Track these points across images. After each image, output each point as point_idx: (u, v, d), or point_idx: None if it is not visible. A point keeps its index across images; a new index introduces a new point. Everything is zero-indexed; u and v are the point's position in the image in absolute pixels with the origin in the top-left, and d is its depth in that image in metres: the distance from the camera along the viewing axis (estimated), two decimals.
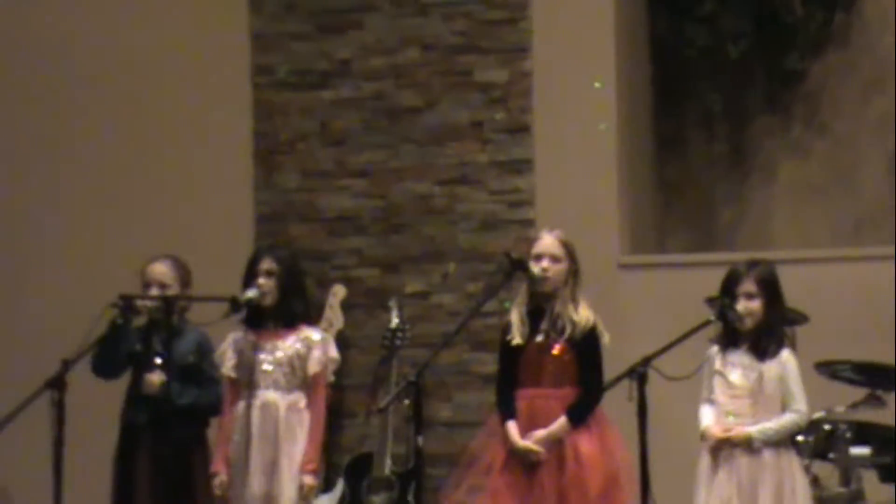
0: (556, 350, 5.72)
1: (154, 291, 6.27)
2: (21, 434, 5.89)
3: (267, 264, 6.14)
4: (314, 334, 6.15)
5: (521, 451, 5.66)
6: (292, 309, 6.13)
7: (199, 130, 8.04)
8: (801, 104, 8.04)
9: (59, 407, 5.66)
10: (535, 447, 5.65)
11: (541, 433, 5.67)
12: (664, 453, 5.61)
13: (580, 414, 5.68)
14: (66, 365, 5.75)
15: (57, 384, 5.68)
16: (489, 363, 7.13)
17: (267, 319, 6.13)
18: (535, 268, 5.76)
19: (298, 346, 6.10)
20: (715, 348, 5.70)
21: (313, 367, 6.10)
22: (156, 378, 6.16)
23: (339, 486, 7.24)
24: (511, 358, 5.80)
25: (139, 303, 6.21)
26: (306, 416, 6.11)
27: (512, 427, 5.70)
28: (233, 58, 8.06)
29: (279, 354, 6.09)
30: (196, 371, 6.27)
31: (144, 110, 8.09)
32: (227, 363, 6.14)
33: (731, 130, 8.12)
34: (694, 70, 8.14)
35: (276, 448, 6.05)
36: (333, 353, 6.18)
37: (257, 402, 6.08)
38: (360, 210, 7.92)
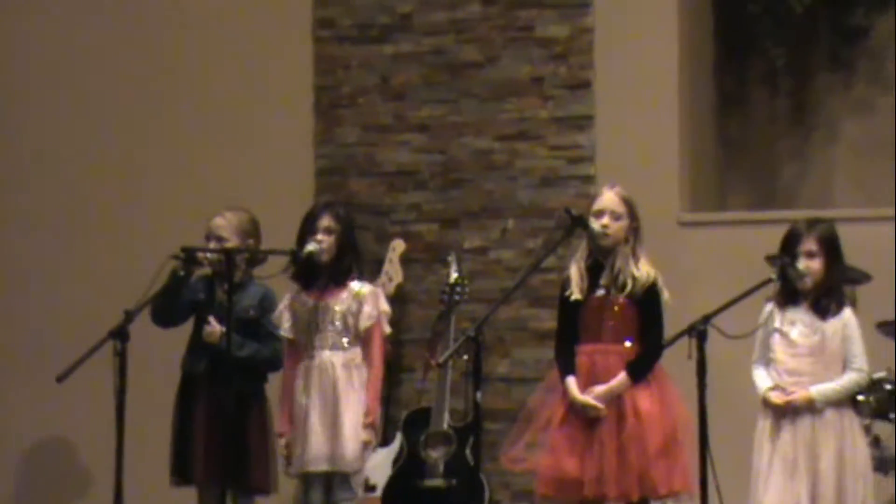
0: (616, 305, 5.71)
1: (212, 244, 6.32)
2: (84, 384, 5.95)
3: (326, 221, 6.17)
4: (364, 288, 6.19)
5: (580, 406, 5.67)
6: (346, 266, 6.17)
7: (261, 84, 8.05)
8: (865, 61, 7.96)
9: (122, 357, 5.72)
10: (594, 402, 5.65)
11: (600, 388, 5.67)
12: (723, 411, 5.60)
13: (640, 370, 5.68)
14: (129, 315, 5.81)
15: (120, 334, 5.74)
16: (547, 319, 7.13)
17: (320, 277, 6.16)
18: (596, 224, 5.74)
19: (350, 301, 6.14)
20: (771, 307, 5.68)
21: (365, 322, 6.14)
22: (216, 328, 6.21)
23: (398, 441, 7.27)
24: (570, 313, 5.80)
25: (200, 255, 6.26)
26: (364, 372, 6.15)
27: (571, 382, 5.71)
28: (294, 11, 8.06)
29: (332, 312, 6.13)
30: (256, 325, 6.32)
31: (206, 66, 8.11)
32: (285, 324, 6.19)
33: (793, 87, 8.04)
34: (757, 26, 8.06)
35: (336, 406, 6.09)
36: (384, 305, 6.21)
37: (315, 363, 6.13)
38: (420, 165, 7.91)
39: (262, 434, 6.29)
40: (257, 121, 8.07)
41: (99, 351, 5.75)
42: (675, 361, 5.56)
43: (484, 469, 6.95)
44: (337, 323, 6.14)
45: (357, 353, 6.16)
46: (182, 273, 6.21)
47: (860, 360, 5.62)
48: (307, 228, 6.19)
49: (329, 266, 6.17)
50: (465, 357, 5.82)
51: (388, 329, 6.26)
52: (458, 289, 7.33)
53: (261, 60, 8.06)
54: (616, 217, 5.75)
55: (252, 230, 6.44)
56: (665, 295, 5.73)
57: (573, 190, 7.64)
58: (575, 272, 5.81)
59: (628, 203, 5.79)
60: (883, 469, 6.26)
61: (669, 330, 5.63)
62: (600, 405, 5.65)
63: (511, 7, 7.82)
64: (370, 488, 7.12)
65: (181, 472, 6.34)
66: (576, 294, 5.77)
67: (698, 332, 5.34)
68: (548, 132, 7.74)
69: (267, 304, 6.33)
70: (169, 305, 6.29)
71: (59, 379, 5.78)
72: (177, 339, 6.46)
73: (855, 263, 6.02)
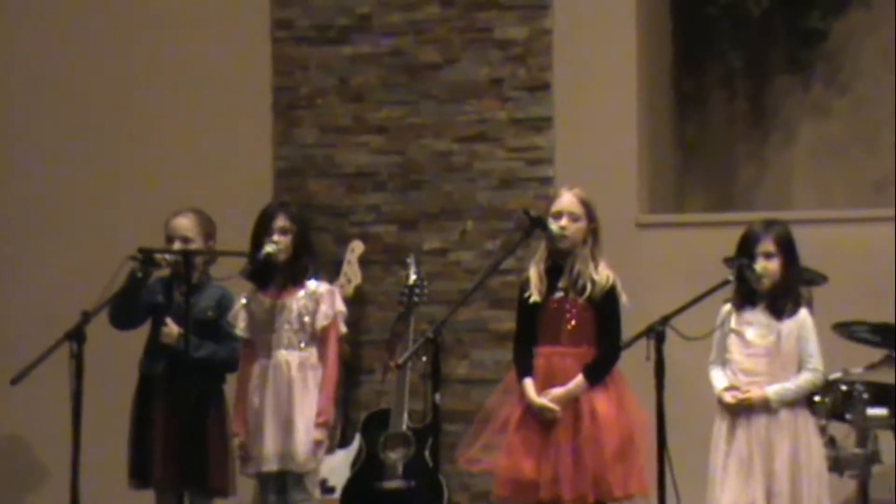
0: (574, 308, 5.72)
1: (176, 245, 6.30)
2: (40, 385, 5.92)
3: (281, 221, 6.17)
4: (320, 287, 6.18)
5: (537, 409, 5.67)
6: (302, 266, 6.16)
7: (219, 85, 8.03)
8: (822, 63, 8.00)
9: (79, 358, 5.70)
10: (551, 405, 5.66)
11: (558, 391, 5.69)
12: (681, 412, 5.62)
13: (597, 373, 5.69)
14: (86, 317, 5.79)
15: (76, 336, 5.71)
16: (506, 321, 7.14)
17: (276, 278, 6.16)
18: (554, 225, 5.75)
19: (306, 301, 6.13)
20: (728, 308, 5.70)
21: (321, 322, 6.13)
22: (173, 330, 6.19)
23: (356, 442, 7.26)
24: (529, 315, 5.81)
25: (158, 256, 6.24)
26: (319, 372, 6.14)
27: (529, 384, 5.72)
28: (252, 12, 8.04)
29: (288, 312, 6.12)
30: (214, 326, 6.30)
31: (164, 66, 8.08)
32: (241, 324, 6.18)
33: (751, 89, 8.08)
34: (715, 28, 8.09)
35: (291, 406, 6.08)
36: (340, 305, 6.20)
37: (270, 363, 6.11)
38: (379, 166, 7.91)
39: (220, 435, 6.27)
40: (215, 122, 8.04)
41: (56, 352, 5.72)
42: (634, 363, 5.58)
43: (443, 470, 6.96)
44: (293, 323, 6.13)
45: (313, 353, 6.16)
46: (140, 274, 6.19)
47: (816, 360, 5.65)
48: (262, 229, 6.18)
49: (285, 266, 6.16)
50: (424, 358, 5.84)
51: (343, 329, 6.26)
52: (417, 290, 7.33)
53: (219, 61, 8.03)
54: (575, 219, 5.77)
55: (212, 231, 6.43)
56: (623, 299, 5.75)
57: (532, 192, 7.65)
58: (534, 274, 5.82)
59: (587, 205, 5.80)
60: (838, 469, 6.30)
61: (627, 331, 5.65)
62: (556, 407, 5.66)
63: (470, 9, 7.82)
64: (329, 490, 7.12)
65: (139, 475, 6.32)
66: (534, 296, 5.78)
67: (656, 333, 5.36)
68: (507, 134, 7.75)
69: (225, 305, 6.31)
70: (127, 307, 6.27)
71: (14, 381, 5.75)
72: (134, 340, 6.43)
73: (811, 265, 6.06)
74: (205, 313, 6.28)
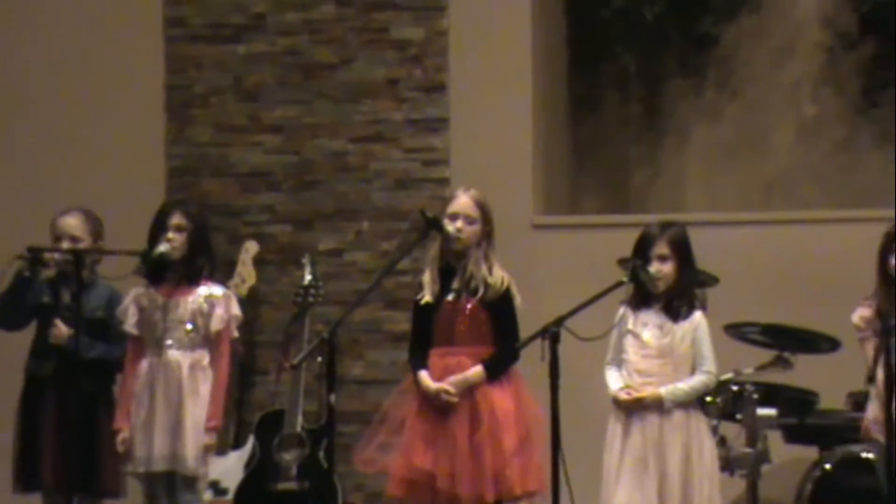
0: (468, 310, 5.73)
1: (65, 244, 6.21)
2: None
3: (177, 219, 6.11)
4: (216, 290, 6.14)
5: (433, 395, 5.66)
6: (198, 266, 6.11)
7: (111, 83, 7.94)
8: (714, 68, 8.10)
9: None
10: (448, 387, 5.64)
11: (456, 377, 5.68)
12: (576, 412, 5.65)
13: (496, 368, 5.71)
14: None
15: None
16: (402, 321, 7.14)
17: (171, 275, 6.09)
18: (450, 227, 5.76)
19: (201, 302, 6.07)
20: (624, 309, 5.75)
21: (216, 325, 6.09)
22: (63, 330, 6.10)
23: (250, 443, 7.21)
24: (423, 316, 5.81)
25: (47, 255, 6.15)
26: (210, 374, 6.09)
27: (424, 374, 5.72)
28: (144, 9, 7.95)
29: (182, 312, 6.06)
30: (104, 326, 6.23)
31: (55, 63, 7.97)
32: (129, 320, 6.11)
33: (645, 92, 8.15)
34: (609, 31, 8.16)
35: (181, 407, 6.03)
36: (236, 309, 6.16)
37: (161, 361, 6.06)
38: (274, 166, 7.87)
39: (110, 436, 6.20)
40: (107, 120, 7.95)
41: None
42: (529, 363, 5.60)
43: (337, 471, 6.93)
44: (186, 323, 6.07)
45: (205, 354, 6.11)
46: (27, 274, 6.10)
47: (709, 363, 5.71)
48: (158, 226, 6.12)
49: (180, 265, 6.10)
50: (319, 359, 5.80)
51: (236, 333, 6.22)
52: (312, 291, 7.30)
53: (110, 59, 7.94)
54: (470, 221, 5.78)
55: (100, 230, 6.35)
56: (518, 300, 5.77)
57: (428, 192, 7.66)
58: (428, 275, 5.82)
59: (483, 207, 5.82)
60: (729, 469, 6.37)
61: (523, 332, 5.67)
62: (453, 390, 5.64)
63: (366, 9, 7.81)
64: (222, 492, 7.06)
65: (25, 479, 6.22)
66: (427, 297, 5.78)
67: (551, 333, 5.38)
68: (402, 134, 7.75)
69: (115, 304, 6.24)
70: (13, 307, 6.18)
71: None
72: (18, 341, 6.32)
73: (704, 267, 6.13)
74: (95, 313, 6.21)
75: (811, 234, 7.39)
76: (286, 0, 7.88)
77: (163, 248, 6.06)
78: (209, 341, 6.10)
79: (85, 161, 7.90)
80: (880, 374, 5.29)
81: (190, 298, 6.09)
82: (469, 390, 5.67)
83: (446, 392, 5.64)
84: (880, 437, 5.43)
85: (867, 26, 7.92)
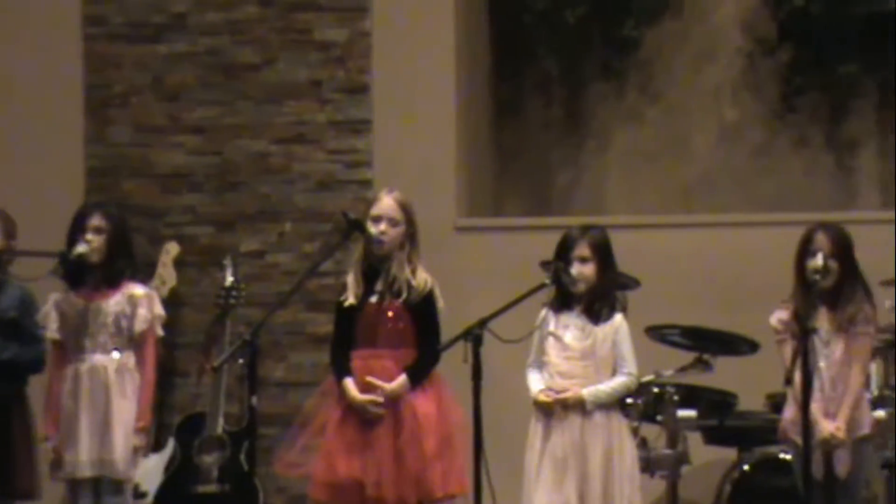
0: (391, 312, 5.73)
1: None
2: None
3: (97, 220, 6.06)
4: (138, 290, 6.09)
5: (359, 407, 5.66)
6: (118, 267, 6.06)
7: (28, 81, 7.85)
8: (636, 71, 8.16)
9: None
10: (374, 398, 5.63)
11: (380, 391, 5.66)
12: (498, 414, 5.67)
13: (419, 374, 5.70)
14: None
15: None
16: (324, 323, 7.12)
17: (90, 278, 6.04)
18: (373, 229, 5.75)
19: (123, 304, 6.03)
20: (546, 311, 5.77)
21: (140, 325, 6.04)
22: None
23: (170, 446, 7.17)
24: (346, 318, 5.80)
25: None
26: (137, 376, 6.04)
27: (349, 384, 5.70)
28: (63, 8, 7.87)
29: (104, 315, 6.01)
30: (17, 327, 6.15)
31: None
32: (51, 325, 6.04)
33: (567, 96, 8.20)
34: (532, 35, 8.19)
35: (107, 411, 5.98)
36: (159, 309, 6.12)
37: (85, 366, 6.00)
38: (195, 167, 7.82)
39: (25, 438, 6.14)
40: (25, 119, 7.86)
41: None
42: (451, 365, 5.61)
43: (259, 474, 6.90)
44: (109, 326, 6.02)
45: (130, 356, 6.06)
46: None
47: (630, 365, 5.74)
48: (76, 228, 6.06)
49: (100, 267, 6.04)
50: (241, 361, 5.77)
51: (161, 332, 6.17)
52: (234, 292, 7.27)
53: (28, 57, 7.86)
54: (394, 223, 5.77)
55: (13, 230, 6.28)
56: (441, 303, 5.77)
57: (351, 194, 7.65)
58: (351, 277, 5.81)
59: (406, 209, 5.81)
60: (649, 470, 6.42)
61: (446, 334, 5.67)
62: (381, 399, 5.63)
63: (289, 9, 7.79)
64: (141, 495, 7.01)
65: None
66: (350, 299, 5.77)
67: (474, 336, 5.39)
68: (325, 136, 7.74)
69: (27, 305, 6.18)
70: None
71: None
72: None
73: (625, 269, 6.16)
74: (7, 313, 6.14)
75: (731, 236, 7.47)
76: (207, 0, 7.83)
77: (81, 248, 6.00)
78: (134, 342, 6.06)
79: (1, 161, 7.80)
80: (797, 376, 5.35)
81: (111, 301, 6.04)
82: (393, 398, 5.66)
83: (373, 403, 5.62)
84: (797, 438, 5.48)
85: (785, 33, 8.03)
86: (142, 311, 6.05)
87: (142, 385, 6.04)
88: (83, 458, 5.95)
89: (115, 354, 6.02)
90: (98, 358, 6.01)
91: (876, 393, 6.30)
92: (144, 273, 7.10)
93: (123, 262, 6.09)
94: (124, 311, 6.04)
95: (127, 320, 6.04)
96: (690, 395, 6.61)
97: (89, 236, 6.02)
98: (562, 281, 5.69)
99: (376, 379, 5.65)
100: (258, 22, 7.81)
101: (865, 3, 7.85)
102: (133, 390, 6.02)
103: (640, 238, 7.25)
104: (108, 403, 5.98)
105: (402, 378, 5.68)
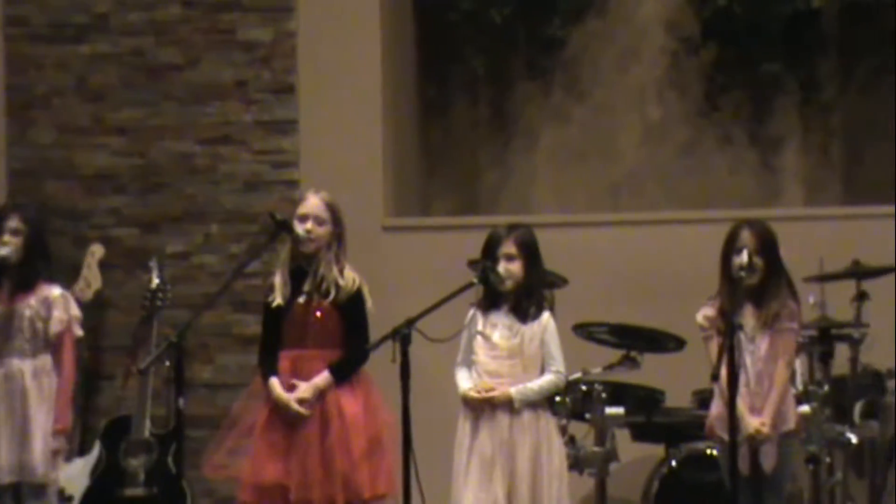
0: (319, 312, 5.71)
1: None
2: None
3: (14, 222, 6.00)
4: (53, 292, 6.04)
5: (284, 405, 5.63)
6: (35, 270, 6.00)
7: None
8: (562, 71, 8.19)
9: None
10: (302, 396, 5.61)
11: (305, 388, 5.64)
12: (426, 413, 5.66)
13: (344, 370, 5.69)
14: None
15: None
16: (252, 324, 7.10)
17: (6, 281, 5.97)
18: (300, 229, 5.73)
19: (38, 307, 5.96)
20: (473, 310, 5.77)
21: (55, 327, 6.00)
22: None
23: (96, 450, 7.11)
24: (274, 319, 5.78)
25: None
26: (55, 379, 5.99)
27: (275, 382, 5.68)
28: None
29: (19, 318, 5.95)
30: None
31: None
32: None
33: (493, 95, 8.22)
34: (458, 34, 8.20)
35: (26, 416, 5.92)
36: (75, 309, 6.08)
37: (2, 372, 5.93)
38: (119, 168, 7.76)
39: None
40: None
41: None
42: (379, 365, 5.60)
43: (186, 476, 6.87)
44: (25, 330, 5.96)
45: (47, 359, 6.01)
46: None
47: (558, 363, 5.76)
48: None
49: (16, 269, 5.98)
50: (168, 363, 5.73)
51: (79, 332, 6.13)
52: (160, 294, 7.22)
53: None
54: (320, 222, 5.76)
55: None
56: (369, 302, 5.76)
57: (277, 194, 7.63)
58: (278, 278, 5.79)
59: (333, 208, 5.80)
60: (578, 468, 6.44)
61: (374, 333, 5.67)
62: (307, 398, 5.61)
63: (212, 10, 7.75)
64: (66, 499, 6.95)
65: None
66: (278, 300, 5.75)
67: (402, 335, 5.38)
68: (251, 136, 7.71)
69: None
70: None
71: None
72: None
73: (552, 268, 6.18)
74: None
75: (657, 234, 7.51)
76: (129, 0, 7.77)
77: (3, 251, 5.93)
78: (50, 345, 5.99)
79: None
80: (724, 372, 5.39)
81: (28, 304, 5.97)
82: (319, 396, 5.64)
83: (300, 401, 5.60)
84: (724, 434, 5.52)
85: (709, 31, 8.08)
86: (57, 313, 5.99)
87: (59, 388, 5.99)
88: (2, 464, 5.89)
89: (33, 358, 5.95)
90: (16, 363, 5.95)
91: (801, 388, 6.36)
92: (69, 275, 7.04)
93: (40, 264, 6.03)
94: (39, 313, 5.99)
95: (43, 323, 5.99)
96: (618, 393, 6.64)
97: (6, 238, 5.96)
98: (489, 280, 5.70)
99: (300, 386, 5.63)
100: (181, 22, 7.77)
101: (788, 2, 7.92)
102: (51, 393, 5.97)
103: (567, 236, 7.28)
104: (27, 408, 5.93)
105: (325, 373, 5.66)
